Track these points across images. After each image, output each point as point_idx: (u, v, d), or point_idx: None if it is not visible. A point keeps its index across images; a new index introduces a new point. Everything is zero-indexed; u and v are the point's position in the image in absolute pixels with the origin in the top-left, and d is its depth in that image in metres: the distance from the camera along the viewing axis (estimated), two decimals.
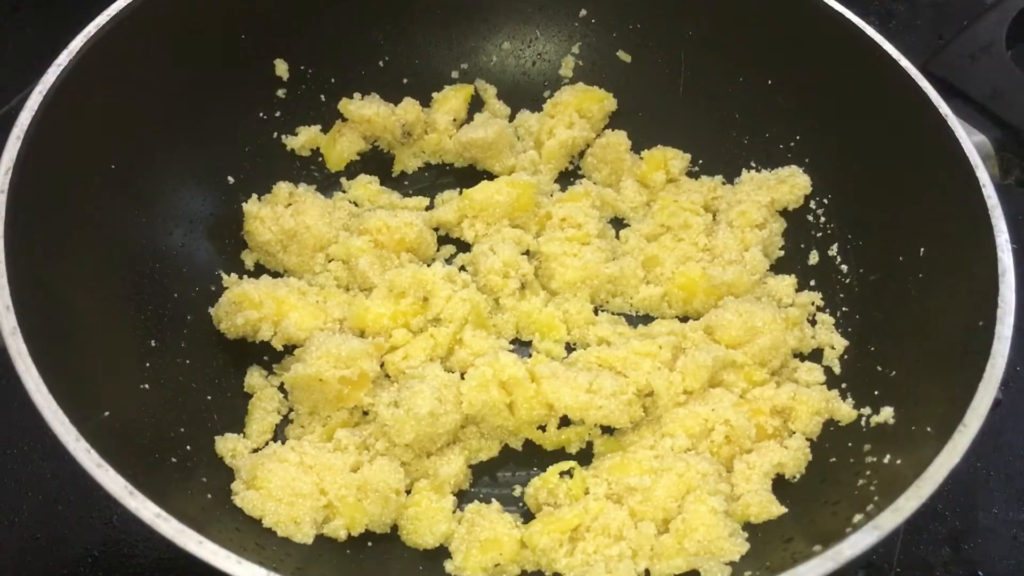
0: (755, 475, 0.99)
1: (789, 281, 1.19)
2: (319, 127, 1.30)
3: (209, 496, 0.95)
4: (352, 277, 1.16)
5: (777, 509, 0.96)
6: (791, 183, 1.23)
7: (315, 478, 0.95)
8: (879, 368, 1.05)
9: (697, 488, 0.95)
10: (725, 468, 1.01)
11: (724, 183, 1.29)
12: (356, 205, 1.26)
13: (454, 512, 0.99)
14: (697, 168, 1.33)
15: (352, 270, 1.15)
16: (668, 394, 1.03)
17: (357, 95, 1.31)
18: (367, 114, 1.29)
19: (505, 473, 1.06)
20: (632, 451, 1.02)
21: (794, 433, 1.04)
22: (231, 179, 1.23)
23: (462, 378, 1.03)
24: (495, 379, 1.01)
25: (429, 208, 1.28)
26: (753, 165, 1.29)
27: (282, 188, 1.22)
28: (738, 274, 1.15)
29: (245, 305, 1.07)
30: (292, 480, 0.94)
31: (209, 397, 1.06)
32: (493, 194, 1.20)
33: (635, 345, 1.07)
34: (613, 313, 1.19)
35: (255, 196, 1.21)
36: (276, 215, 1.19)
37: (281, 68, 1.26)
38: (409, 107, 1.32)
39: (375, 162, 1.33)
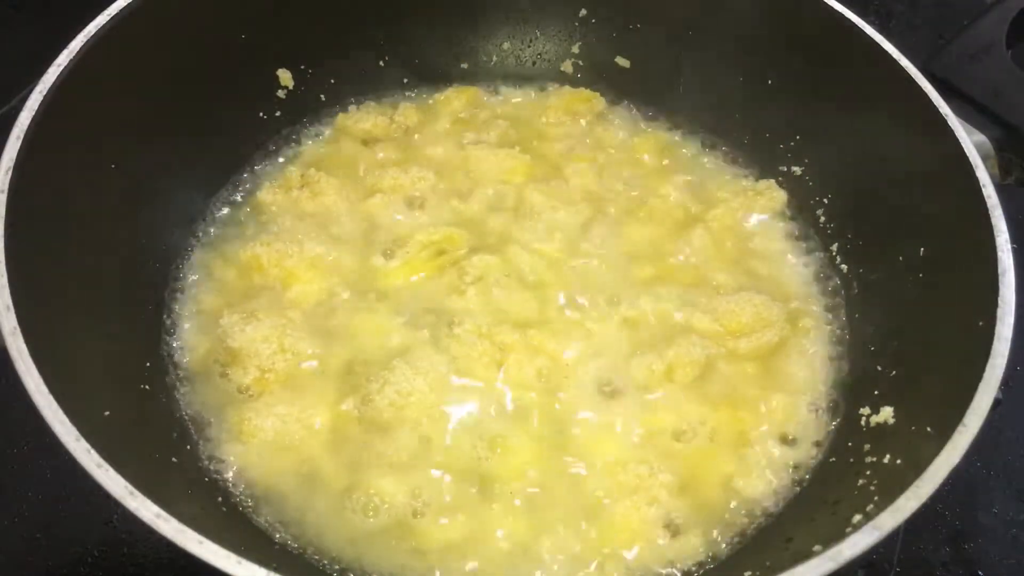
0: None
1: (789, 280, 1.19)
2: (320, 136, 1.31)
3: (209, 496, 0.95)
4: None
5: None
6: (768, 196, 1.25)
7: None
8: (879, 368, 1.05)
9: (645, 491, 0.97)
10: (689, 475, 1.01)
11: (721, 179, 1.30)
12: None
13: None
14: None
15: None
16: (645, 377, 1.06)
17: (353, 107, 1.32)
18: (366, 127, 1.30)
19: None
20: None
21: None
22: (231, 179, 1.23)
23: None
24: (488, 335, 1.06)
25: None
26: (753, 165, 1.30)
27: (292, 172, 1.23)
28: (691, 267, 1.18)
29: (254, 268, 1.08)
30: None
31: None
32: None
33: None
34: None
35: (268, 185, 1.22)
36: (293, 199, 1.20)
37: (285, 77, 1.26)
38: (408, 112, 1.32)
39: None
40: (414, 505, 0.97)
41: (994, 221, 0.94)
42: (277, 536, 0.95)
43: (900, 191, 1.11)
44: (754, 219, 1.25)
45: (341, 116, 1.32)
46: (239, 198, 1.23)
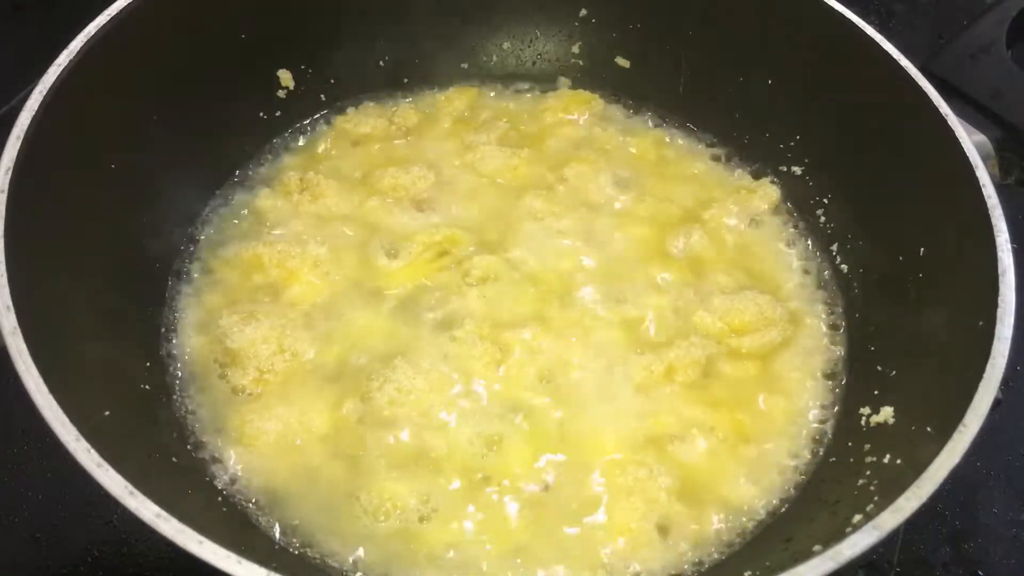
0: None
1: (788, 280, 1.19)
2: (321, 137, 1.31)
3: (209, 496, 0.95)
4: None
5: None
6: (761, 193, 1.25)
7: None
8: (879, 368, 1.05)
9: (644, 492, 0.97)
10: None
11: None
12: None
13: None
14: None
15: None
16: (645, 378, 1.06)
17: (352, 108, 1.32)
18: (366, 127, 1.30)
19: None
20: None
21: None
22: (232, 179, 1.23)
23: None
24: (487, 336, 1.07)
25: None
26: (753, 165, 1.29)
27: (293, 172, 1.23)
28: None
29: (255, 267, 1.10)
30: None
31: None
32: None
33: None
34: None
35: (267, 190, 1.22)
36: (293, 203, 1.19)
37: (285, 78, 1.26)
38: (408, 112, 1.32)
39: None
40: (415, 509, 0.97)
41: (994, 221, 0.94)
42: (277, 536, 0.95)
43: (900, 191, 1.11)
44: (752, 219, 1.25)
45: (341, 117, 1.32)
46: (239, 198, 1.23)
